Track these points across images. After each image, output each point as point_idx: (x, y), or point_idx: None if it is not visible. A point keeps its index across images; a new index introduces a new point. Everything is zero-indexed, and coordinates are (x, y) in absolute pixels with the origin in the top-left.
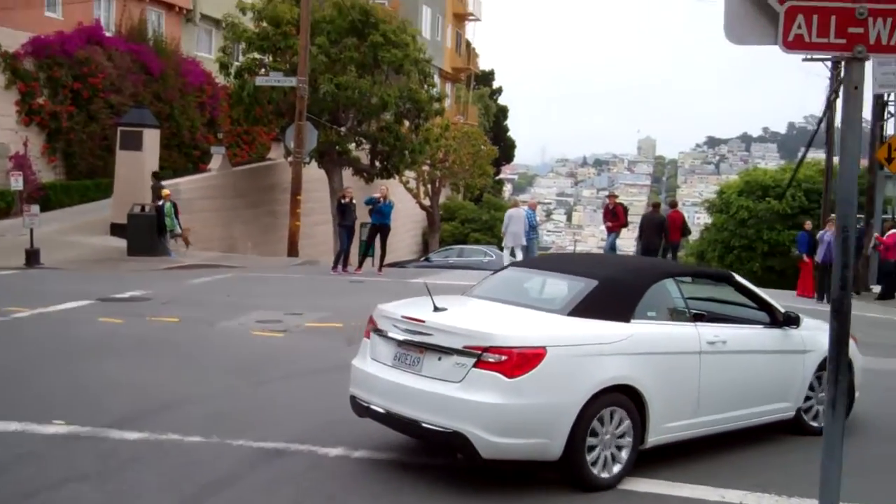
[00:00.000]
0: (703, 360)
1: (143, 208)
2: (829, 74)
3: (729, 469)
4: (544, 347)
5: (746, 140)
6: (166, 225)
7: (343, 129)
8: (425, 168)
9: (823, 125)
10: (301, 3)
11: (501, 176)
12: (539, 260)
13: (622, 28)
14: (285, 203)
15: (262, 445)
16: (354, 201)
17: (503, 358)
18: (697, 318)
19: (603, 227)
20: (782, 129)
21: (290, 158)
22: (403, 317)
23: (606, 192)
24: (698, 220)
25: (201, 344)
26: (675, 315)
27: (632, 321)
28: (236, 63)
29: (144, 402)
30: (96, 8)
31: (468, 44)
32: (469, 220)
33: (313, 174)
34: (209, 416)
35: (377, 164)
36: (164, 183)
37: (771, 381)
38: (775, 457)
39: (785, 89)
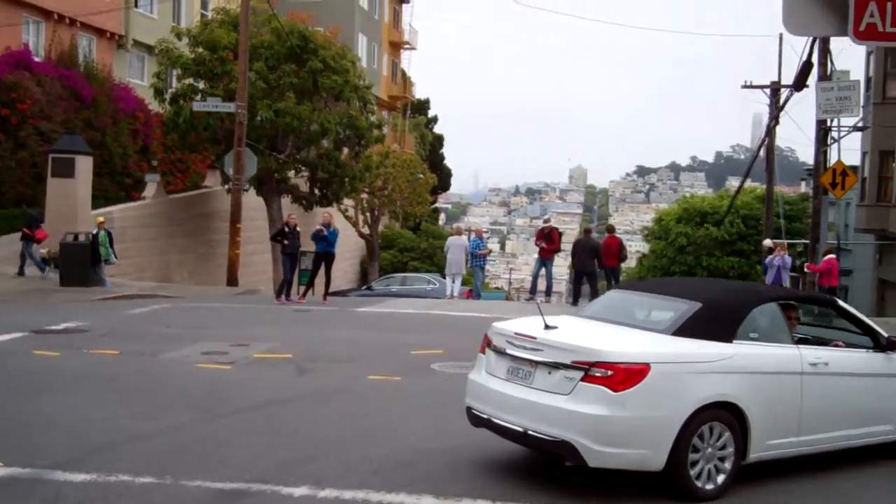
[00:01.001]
0: (804, 381)
1: (75, 237)
2: (768, 101)
3: (834, 493)
4: (648, 364)
5: (675, 169)
6: (101, 254)
7: (282, 156)
8: (364, 196)
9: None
10: (240, 28)
11: (436, 205)
12: (643, 283)
13: (554, 59)
14: (221, 232)
15: (222, 486)
16: (298, 228)
17: (609, 373)
18: (801, 340)
19: (536, 256)
20: (710, 158)
21: (227, 186)
22: (517, 334)
23: (544, 218)
24: (630, 247)
25: (145, 377)
26: (778, 337)
27: (734, 342)
28: (171, 89)
29: (89, 440)
30: (25, 33)
31: (404, 72)
32: (408, 248)
33: (251, 202)
34: (160, 455)
35: (316, 191)
36: (97, 211)
37: (873, 403)
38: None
39: (713, 119)
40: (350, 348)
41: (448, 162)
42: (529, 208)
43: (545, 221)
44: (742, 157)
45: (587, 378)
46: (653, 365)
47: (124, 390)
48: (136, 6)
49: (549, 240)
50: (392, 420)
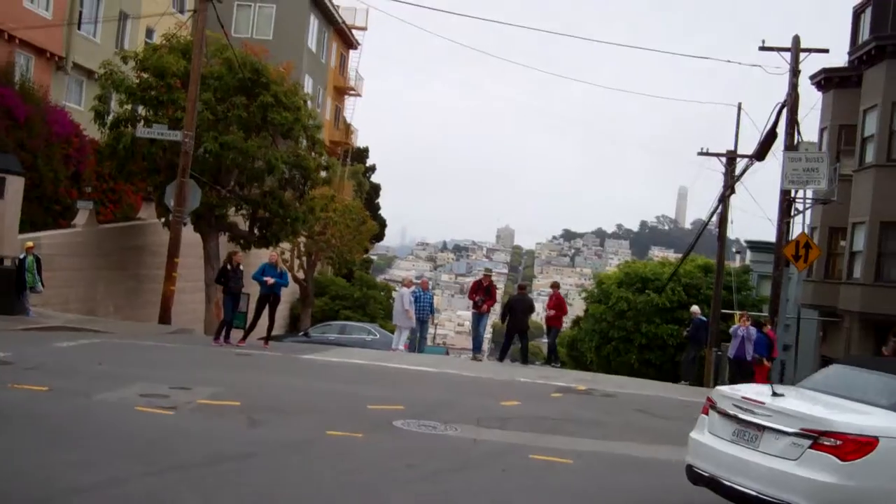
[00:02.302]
0: None
1: (1, 261)
2: (723, 170)
3: None
4: (877, 437)
5: (601, 235)
6: (27, 281)
7: (224, 191)
8: (302, 240)
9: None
10: (192, 53)
11: (366, 255)
12: (866, 360)
13: (491, 116)
14: (153, 267)
15: None
16: (242, 267)
17: (838, 442)
18: None
19: (461, 313)
20: (635, 227)
21: (163, 219)
22: (744, 398)
23: (485, 269)
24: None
25: (79, 419)
26: None
27: None
28: (111, 114)
29: (16, 491)
30: None
31: (345, 119)
32: (340, 296)
33: (184, 238)
34: None
35: (256, 231)
36: (26, 236)
37: None
38: None
39: (640, 189)
40: (302, 398)
41: (383, 212)
42: (455, 265)
43: (486, 272)
44: (666, 227)
45: (816, 446)
46: (881, 439)
47: (57, 433)
48: (78, 28)
49: (488, 293)
50: (376, 486)
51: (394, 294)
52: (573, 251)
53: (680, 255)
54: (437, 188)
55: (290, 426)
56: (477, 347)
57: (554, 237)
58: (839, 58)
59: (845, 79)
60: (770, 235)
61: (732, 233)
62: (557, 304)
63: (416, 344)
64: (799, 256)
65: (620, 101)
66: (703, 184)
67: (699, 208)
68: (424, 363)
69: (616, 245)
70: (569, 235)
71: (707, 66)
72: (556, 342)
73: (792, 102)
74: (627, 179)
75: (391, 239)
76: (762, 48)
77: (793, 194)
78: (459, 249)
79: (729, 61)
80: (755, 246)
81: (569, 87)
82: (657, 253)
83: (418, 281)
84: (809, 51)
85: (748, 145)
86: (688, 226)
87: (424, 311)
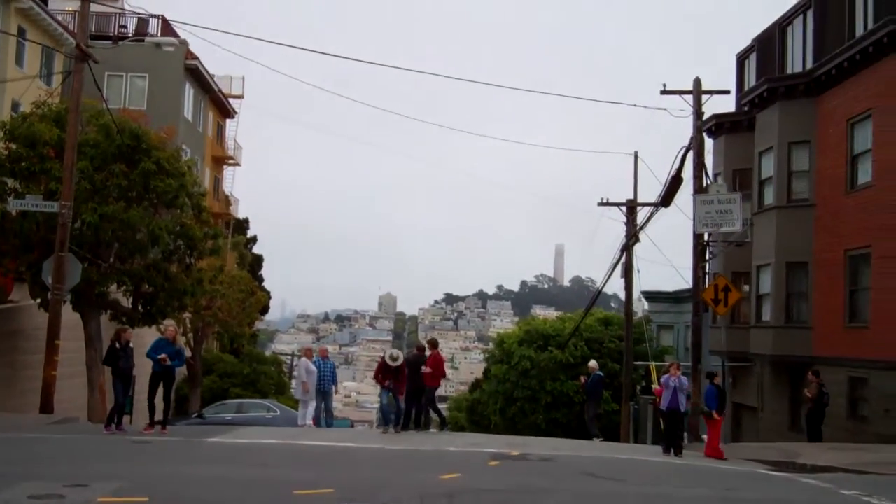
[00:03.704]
0: None
1: None
2: (624, 220)
3: None
4: None
5: (483, 297)
6: None
7: (105, 265)
8: (187, 315)
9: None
10: (69, 116)
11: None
12: None
13: (361, 185)
14: (29, 352)
15: None
16: (132, 345)
17: None
18: None
19: (348, 384)
20: (516, 287)
21: (39, 300)
22: None
23: (392, 348)
24: (454, 374)
25: None
26: None
27: None
28: None
29: None
30: None
31: (224, 190)
32: (229, 374)
33: (63, 320)
34: None
35: (140, 307)
36: None
37: None
38: None
39: (517, 250)
40: (220, 490)
41: (266, 284)
42: (339, 335)
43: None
44: (546, 286)
45: None
46: None
47: None
48: None
49: (397, 377)
50: None
51: (285, 368)
52: (456, 314)
53: (561, 313)
54: (315, 258)
55: None
56: (387, 421)
57: (436, 301)
58: (724, 104)
59: (736, 123)
60: (667, 284)
61: (639, 283)
62: (435, 363)
63: (322, 417)
64: (718, 300)
65: (501, 156)
66: (578, 239)
67: (575, 266)
68: (340, 438)
69: (498, 306)
70: (451, 299)
71: (590, 118)
72: (435, 403)
73: (697, 145)
74: (506, 241)
75: (271, 312)
76: (664, 92)
77: (706, 238)
78: (342, 319)
79: (635, 105)
80: (652, 296)
81: (451, 144)
82: (539, 311)
83: (316, 350)
84: (711, 93)
85: (619, 193)
86: (566, 283)
87: (327, 381)
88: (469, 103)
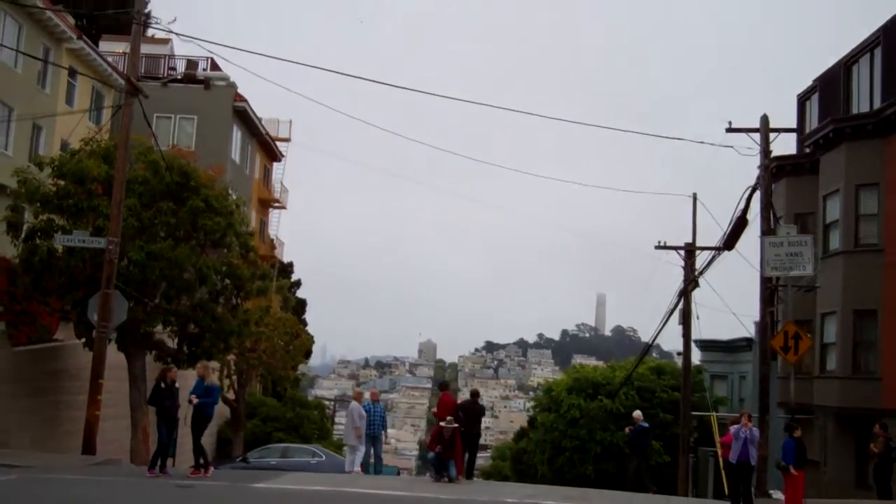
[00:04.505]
0: None
1: None
2: (682, 263)
3: None
4: None
5: (523, 345)
6: None
7: (151, 304)
8: (231, 357)
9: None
10: (118, 152)
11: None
12: None
13: (408, 226)
14: (73, 392)
15: None
16: (178, 385)
17: None
18: None
19: (390, 431)
20: (556, 336)
21: (83, 339)
22: None
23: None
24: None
25: None
26: None
27: None
28: (27, 224)
29: None
30: None
31: (269, 233)
32: (272, 417)
33: (107, 359)
34: None
35: (185, 348)
36: None
37: None
38: None
39: (559, 298)
40: None
41: (309, 329)
42: (378, 381)
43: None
44: (587, 335)
45: None
46: None
47: None
48: None
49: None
50: None
51: (328, 412)
52: (496, 362)
53: (601, 363)
54: (356, 304)
55: None
56: (439, 469)
57: (476, 349)
58: (784, 147)
59: (798, 166)
60: (719, 333)
61: (698, 330)
62: (442, 406)
63: (370, 463)
64: (788, 348)
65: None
66: (622, 286)
67: (617, 315)
68: (391, 486)
69: (539, 354)
70: (491, 347)
71: (633, 158)
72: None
73: (766, 185)
74: (547, 288)
75: (312, 357)
76: (730, 129)
77: (774, 282)
78: (382, 366)
79: (702, 142)
80: (706, 345)
81: (494, 183)
82: (579, 361)
83: (368, 393)
84: (779, 130)
85: (669, 236)
86: (608, 332)
87: (377, 426)
88: (517, 141)
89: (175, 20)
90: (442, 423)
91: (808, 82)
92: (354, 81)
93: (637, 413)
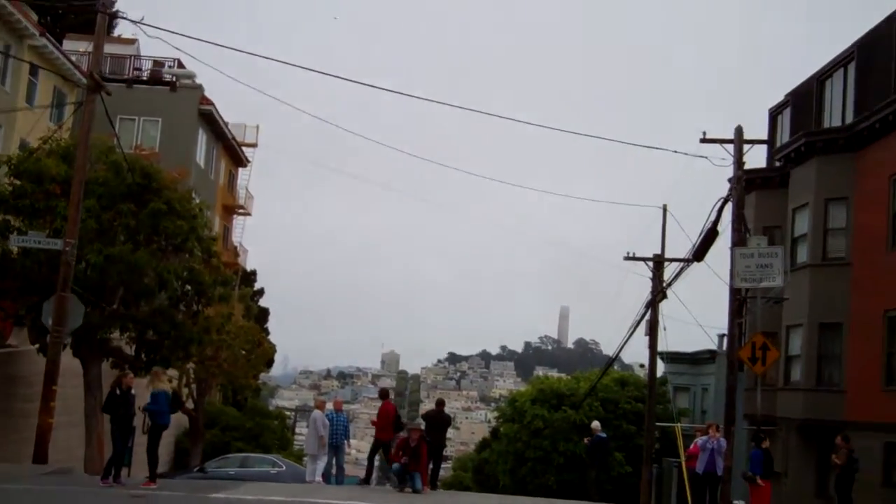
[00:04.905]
0: None
1: None
2: (651, 275)
3: None
4: None
5: (486, 357)
6: None
7: (108, 309)
8: (191, 365)
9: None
10: (78, 151)
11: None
12: None
13: (371, 239)
14: (26, 399)
15: None
16: (134, 391)
17: None
18: None
19: (351, 441)
20: (519, 349)
21: (38, 345)
22: None
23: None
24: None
25: None
26: None
27: None
28: None
29: None
30: None
31: (233, 240)
32: (232, 427)
33: (63, 366)
34: None
35: (143, 355)
36: None
37: None
38: None
39: (522, 310)
40: None
41: (271, 338)
42: (341, 392)
43: (380, 394)
44: (549, 347)
45: None
46: None
47: None
48: None
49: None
50: None
51: (288, 422)
52: (459, 374)
53: (563, 375)
54: (319, 314)
55: None
56: (401, 479)
57: (439, 361)
58: (754, 160)
59: (768, 179)
60: (682, 345)
61: (664, 342)
62: (382, 414)
63: (331, 473)
64: (756, 359)
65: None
66: (587, 300)
67: (580, 328)
68: (352, 496)
69: (501, 367)
70: (454, 359)
71: (595, 169)
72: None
73: (738, 196)
74: (511, 300)
75: (274, 367)
76: (704, 140)
77: (743, 293)
78: (344, 376)
79: (676, 151)
80: (670, 357)
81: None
82: (541, 373)
83: (331, 402)
84: (753, 142)
85: (642, 248)
86: (570, 345)
87: (339, 435)
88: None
89: (143, 18)
90: (402, 434)
91: (781, 98)
92: (336, 85)
93: (595, 424)
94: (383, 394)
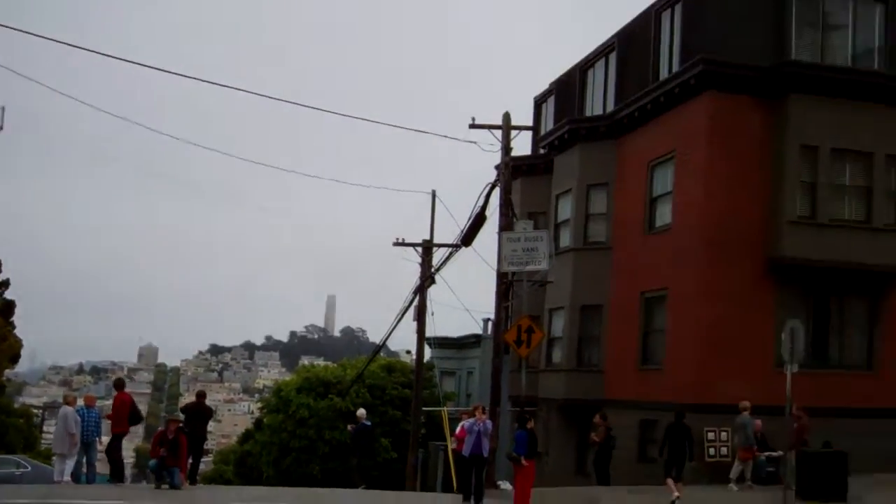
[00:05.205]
0: None
1: None
2: (419, 260)
3: None
4: None
5: (250, 348)
6: None
7: None
8: None
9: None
10: None
11: None
12: None
13: (122, 232)
14: None
15: None
16: None
17: None
18: None
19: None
20: (285, 338)
21: None
22: None
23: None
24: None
25: None
26: None
27: None
28: None
29: None
30: None
31: None
32: None
33: None
34: None
35: None
36: None
37: None
38: None
39: (287, 300)
40: None
41: (20, 331)
42: (94, 388)
43: (174, 418)
44: (316, 336)
45: None
46: None
47: None
48: None
49: (176, 451)
50: None
51: (35, 420)
52: (221, 366)
53: (330, 363)
54: (72, 307)
55: None
56: (159, 476)
57: (200, 353)
58: (520, 147)
59: (533, 166)
60: (450, 330)
61: (432, 328)
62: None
63: (81, 472)
64: (521, 342)
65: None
66: (355, 288)
67: (346, 316)
68: (104, 495)
69: (266, 357)
70: (216, 350)
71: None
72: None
73: (505, 181)
74: (276, 290)
75: (20, 363)
76: (473, 126)
77: (510, 277)
78: (98, 371)
79: (445, 136)
80: (437, 342)
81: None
82: (307, 362)
83: (82, 398)
84: (520, 128)
85: (412, 234)
86: (337, 333)
87: (91, 431)
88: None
89: None
90: (161, 429)
91: (545, 86)
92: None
93: (361, 411)
94: (118, 384)
